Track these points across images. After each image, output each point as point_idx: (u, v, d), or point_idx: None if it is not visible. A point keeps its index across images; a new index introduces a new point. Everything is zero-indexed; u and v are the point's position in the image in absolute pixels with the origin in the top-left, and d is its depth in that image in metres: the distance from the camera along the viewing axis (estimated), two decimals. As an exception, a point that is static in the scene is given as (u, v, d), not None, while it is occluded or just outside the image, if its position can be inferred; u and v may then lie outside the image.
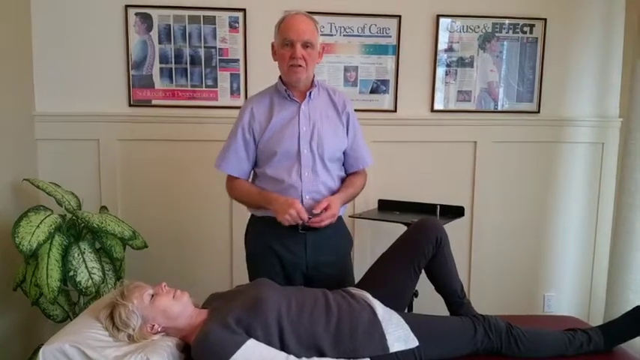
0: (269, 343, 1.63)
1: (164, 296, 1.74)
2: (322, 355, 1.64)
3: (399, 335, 1.71)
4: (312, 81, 2.04)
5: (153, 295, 1.74)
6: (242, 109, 2.08)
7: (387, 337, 1.70)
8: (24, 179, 2.44)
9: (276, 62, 2.03)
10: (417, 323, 1.78)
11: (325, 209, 1.92)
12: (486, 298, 3.04)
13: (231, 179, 2.11)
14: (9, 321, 2.50)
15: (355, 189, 2.11)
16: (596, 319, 3.03)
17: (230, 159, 2.07)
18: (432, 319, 1.85)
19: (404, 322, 1.76)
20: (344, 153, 2.11)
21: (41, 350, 1.57)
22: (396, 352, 1.69)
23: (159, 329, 1.71)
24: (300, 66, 1.94)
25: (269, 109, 2.04)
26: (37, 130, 2.72)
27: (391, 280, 1.92)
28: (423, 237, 1.91)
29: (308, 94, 2.02)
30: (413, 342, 1.71)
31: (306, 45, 1.94)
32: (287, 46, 1.94)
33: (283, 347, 1.64)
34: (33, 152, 2.72)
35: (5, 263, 2.41)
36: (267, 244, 2.04)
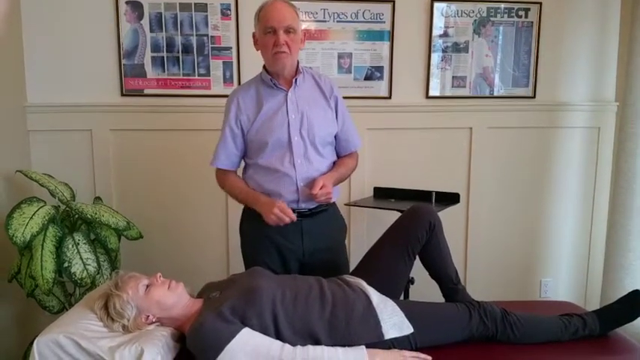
0: (264, 331, 1.62)
1: (159, 287, 1.74)
2: (317, 343, 1.64)
3: (394, 322, 1.71)
4: (297, 68, 2.03)
5: (148, 286, 1.74)
6: (228, 103, 2.06)
7: (382, 324, 1.70)
8: (17, 171, 2.42)
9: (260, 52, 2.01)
10: (412, 310, 1.77)
11: (320, 188, 1.92)
12: (483, 284, 3.05)
13: (221, 172, 2.11)
14: (5, 312, 2.50)
15: (347, 169, 2.13)
16: (593, 304, 3.04)
17: (219, 153, 2.07)
18: (427, 306, 1.84)
19: (399, 309, 1.75)
20: (335, 137, 2.11)
21: (35, 341, 1.57)
22: (391, 339, 1.68)
23: (153, 320, 1.71)
24: (284, 52, 1.92)
25: (256, 100, 2.02)
26: (29, 122, 2.70)
27: (385, 266, 1.91)
28: (416, 223, 1.90)
29: (294, 81, 2.01)
30: (408, 329, 1.71)
31: (288, 30, 1.92)
32: (269, 33, 1.92)
33: (278, 336, 1.63)
34: (25, 144, 2.70)
35: (0, 255, 2.40)
36: (263, 232, 2.04)
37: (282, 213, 1.88)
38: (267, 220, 1.92)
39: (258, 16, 1.95)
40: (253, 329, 1.61)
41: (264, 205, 1.93)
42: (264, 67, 2.04)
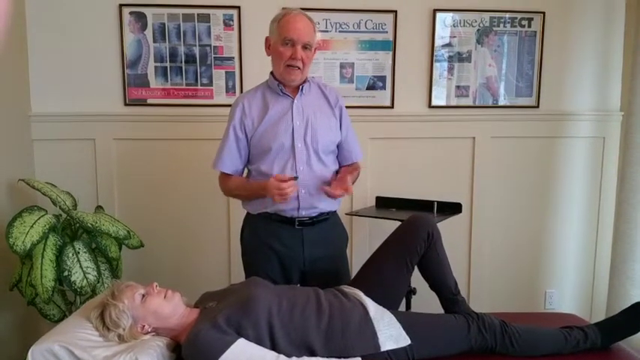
0: (259, 342, 1.61)
1: (155, 296, 1.74)
2: (313, 354, 1.63)
3: (390, 334, 1.69)
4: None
5: (144, 295, 1.74)
6: (233, 107, 2.07)
7: (379, 335, 1.68)
8: (20, 179, 2.44)
9: (269, 57, 2.02)
10: (409, 322, 1.76)
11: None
12: (487, 295, 3.01)
13: (224, 177, 2.10)
14: (6, 320, 2.51)
15: (356, 175, 2.13)
16: (598, 316, 3.00)
17: (224, 157, 2.06)
18: (425, 318, 1.83)
19: (396, 320, 1.74)
20: (338, 146, 2.11)
21: (30, 351, 1.57)
22: (387, 351, 1.67)
23: (149, 329, 1.71)
24: (297, 68, 1.94)
25: (262, 105, 2.03)
26: (33, 131, 2.72)
27: (384, 277, 1.90)
28: (414, 233, 1.89)
29: (300, 88, 2.02)
30: (405, 341, 1.69)
31: (305, 47, 1.94)
32: (287, 45, 1.93)
33: (274, 346, 1.62)
34: (29, 153, 2.72)
35: (2, 263, 2.41)
36: (264, 241, 2.04)
37: (280, 184, 1.83)
38: (275, 200, 1.87)
39: (279, 23, 1.95)
40: (249, 339, 1.61)
41: (266, 189, 1.89)
42: (271, 73, 2.05)
